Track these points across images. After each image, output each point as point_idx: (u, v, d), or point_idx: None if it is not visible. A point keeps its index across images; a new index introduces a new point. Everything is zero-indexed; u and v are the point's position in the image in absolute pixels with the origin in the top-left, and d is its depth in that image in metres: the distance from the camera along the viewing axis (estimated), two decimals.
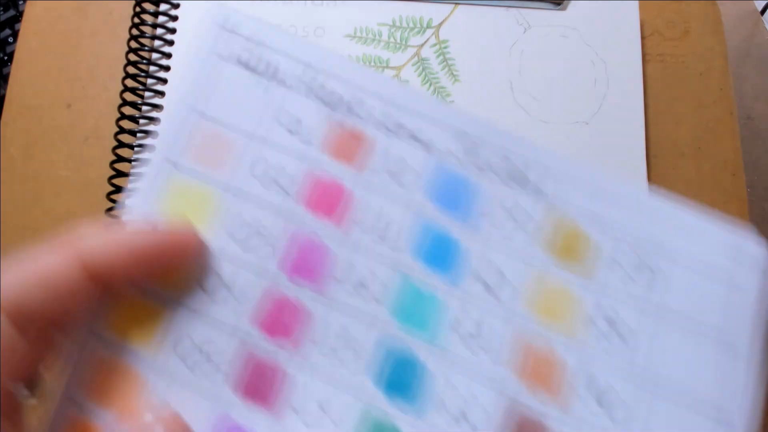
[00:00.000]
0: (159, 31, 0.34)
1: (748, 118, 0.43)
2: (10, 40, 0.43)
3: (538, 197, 0.20)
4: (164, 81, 0.33)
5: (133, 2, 0.34)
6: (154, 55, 0.34)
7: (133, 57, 0.33)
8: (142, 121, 0.33)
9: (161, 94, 0.33)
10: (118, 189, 0.32)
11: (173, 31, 0.34)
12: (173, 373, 0.18)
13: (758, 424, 0.18)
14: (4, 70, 0.42)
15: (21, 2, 0.44)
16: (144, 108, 0.33)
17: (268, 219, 0.20)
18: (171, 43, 0.34)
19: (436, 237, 0.20)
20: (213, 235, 0.19)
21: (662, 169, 0.33)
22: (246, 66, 0.21)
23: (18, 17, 0.43)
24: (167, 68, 0.33)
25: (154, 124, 0.33)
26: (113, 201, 0.32)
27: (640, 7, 0.35)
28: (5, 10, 0.43)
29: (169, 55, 0.34)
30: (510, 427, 0.18)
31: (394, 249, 0.19)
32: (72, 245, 0.19)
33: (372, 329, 0.19)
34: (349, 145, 0.20)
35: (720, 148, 0.34)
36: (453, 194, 0.20)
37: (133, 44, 0.33)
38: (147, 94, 0.33)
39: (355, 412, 0.18)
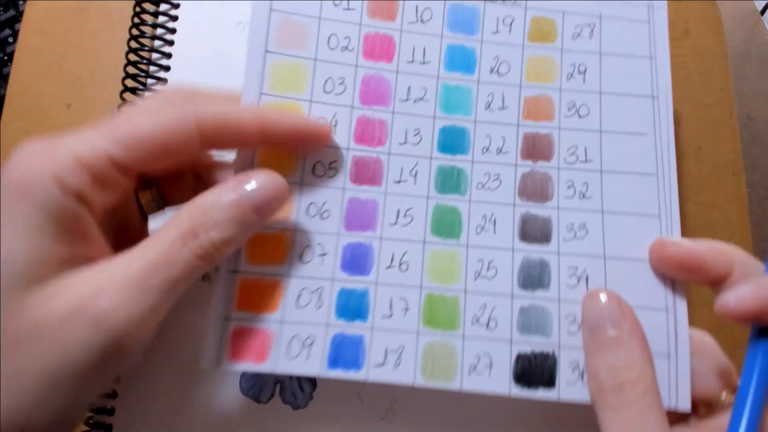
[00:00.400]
0: (159, 31, 0.34)
1: (748, 118, 0.43)
2: (10, 40, 0.43)
3: (519, 8, 0.30)
4: (164, 81, 0.33)
5: (133, 2, 0.34)
6: (154, 55, 0.34)
7: (133, 57, 0.33)
8: None
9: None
10: None
11: (173, 31, 0.34)
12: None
13: None
14: (4, 70, 0.42)
15: (21, 2, 0.44)
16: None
17: (345, 71, 0.28)
18: (171, 43, 0.34)
19: (458, 51, 0.29)
20: (309, 93, 0.27)
21: None
22: None
23: (18, 17, 0.43)
24: (167, 68, 0.33)
25: None
26: None
27: None
28: (5, 10, 0.43)
29: (169, 55, 0.34)
30: (527, 142, 0.28)
31: (432, 67, 0.29)
32: (193, 107, 0.22)
33: (430, 120, 0.28)
34: (387, 8, 0.29)
35: (720, 148, 0.34)
36: (463, 20, 0.29)
37: (133, 44, 0.33)
38: (147, 94, 0.33)
39: (428, 169, 0.28)
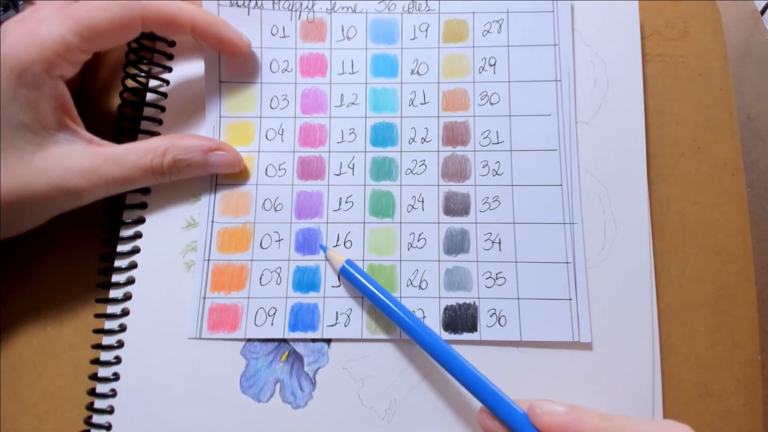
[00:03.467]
0: (158, 44, 0.34)
1: (748, 118, 0.43)
2: None
3: (433, 14, 0.34)
4: (165, 81, 0.33)
5: None
6: (155, 56, 0.34)
7: (133, 57, 0.33)
8: (142, 121, 0.33)
9: (162, 95, 0.33)
10: None
11: (172, 43, 0.34)
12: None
13: None
14: None
15: (21, 2, 0.44)
16: (143, 123, 0.33)
17: (287, 89, 0.34)
18: (172, 43, 0.34)
19: (382, 59, 0.34)
20: (259, 111, 0.33)
21: (662, 169, 0.33)
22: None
23: None
24: (169, 69, 0.33)
25: (153, 125, 0.33)
26: (112, 201, 0.32)
27: (640, 7, 0.35)
28: (5, 10, 0.43)
29: (170, 56, 0.34)
30: (447, 130, 0.33)
31: (361, 76, 0.34)
32: (138, 2, 0.29)
33: (362, 120, 0.33)
34: (317, 31, 0.34)
35: (720, 148, 0.34)
36: (384, 32, 0.34)
37: (134, 44, 0.33)
38: (147, 94, 0.33)
39: (363, 161, 0.33)
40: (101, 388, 0.30)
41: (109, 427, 0.29)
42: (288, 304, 0.31)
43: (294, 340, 0.30)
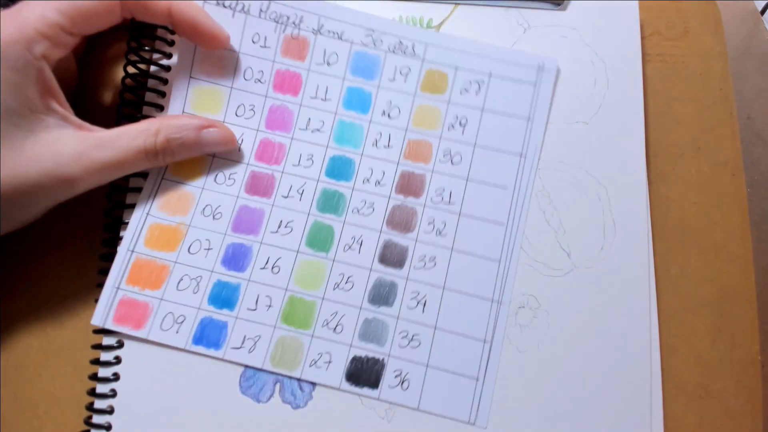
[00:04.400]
0: (159, 31, 0.34)
1: (748, 118, 0.43)
2: None
3: (417, 60, 0.33)
4: (164, 81, 0.33)
5: None
6: (155, 55, 0.34)
7: (133, 57, 0.33)
8: (144, 107, 0.33)
9: (161, 94, 0.33)
10: (117, 189, 0.32)
11: (173, 31, 0.34)
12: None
13: None
14: None
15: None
16: (144, 108, 0.33)
17: (255, 100, 0.33)
18: (171, 43, 0.34)
19: (356, 93, 0.33)
20: (223, 115, 0.33)
21: (662, 169, 0.33)
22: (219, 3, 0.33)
23: None
24: (168, 68, 0.33)
25: (155, 112, 0.33)
26: (112, 200, 0.32)
27: (640, 7, 0.35)
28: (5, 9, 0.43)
29: (169, 56, 0.34)
30: (403, 179, 0.32)
31: (332, 104, 0.33)
32: None
33: (323, 149, 0.33)
34: (298, 49, 0.33)
35: (720, 148, 0.34)
36: (365, 67, 0.33)
37: (133, 44, 0.33)
38: (147, 94, 0.33)
39: (313, 190, 0.32)
40: (101, 388, 0.30)
41: (109, 427, 0.29)
42: (198, 316, 0.30)
43: (193, 353, 0.30)
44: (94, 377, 0.30)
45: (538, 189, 0.32)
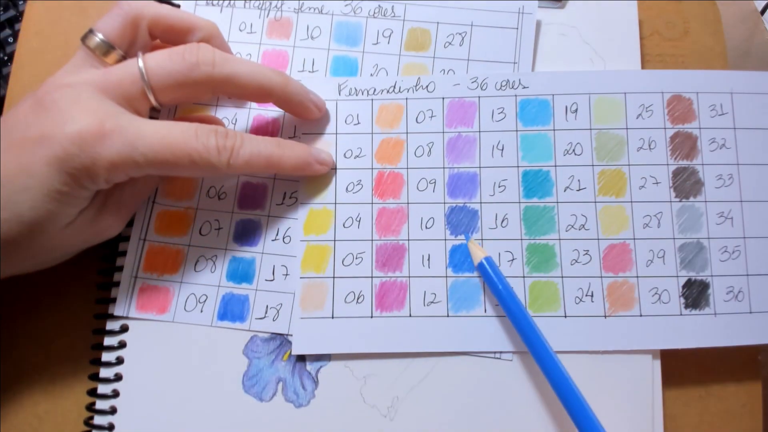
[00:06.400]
0: None
1: None
2: (10, 40, 0.43)
3: (398, 21, 0.34)
4: None
5: None
6: None
7: None
8: None
9: None
10: None
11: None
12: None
13: None
14: (4, 70, 0.42)
15: (21, 2, 0.44)
16: None
17: None
18: None
19: (342, 60, 0.34)
20: (215, 98, 0.34)
21: None
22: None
23: (18, 17, 0.43)
24: None
25: None
26: None
27: (640, 7, 0.35)
28: (5, 10, 0.43)
29: None
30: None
31: (319, 75, 0.34)
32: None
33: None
34: (282, 29, 0.35)
35: None
36: (348, 35, 0.34)
37: None
38: None
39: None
40: (103, 388, 0.30)
41: (111, 427, 0.29)
42: (219, 293, 0.31)
43: (221, 328, 0.30)
44: (95, 377, 0.30)
45: None
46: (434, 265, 0.31)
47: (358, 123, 0.32)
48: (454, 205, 0.31)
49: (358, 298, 0.30)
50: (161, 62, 0.27)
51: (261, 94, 0.30)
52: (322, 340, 0.30)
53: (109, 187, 0.28)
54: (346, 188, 0.32)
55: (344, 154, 0.32)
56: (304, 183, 0.32)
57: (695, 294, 0.30)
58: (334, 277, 0.31)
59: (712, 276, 0.30)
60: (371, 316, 0.30)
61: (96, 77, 0.27)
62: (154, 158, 0.26)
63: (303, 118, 0.32)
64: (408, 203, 0.31)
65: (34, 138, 0.25)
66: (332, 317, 0.30)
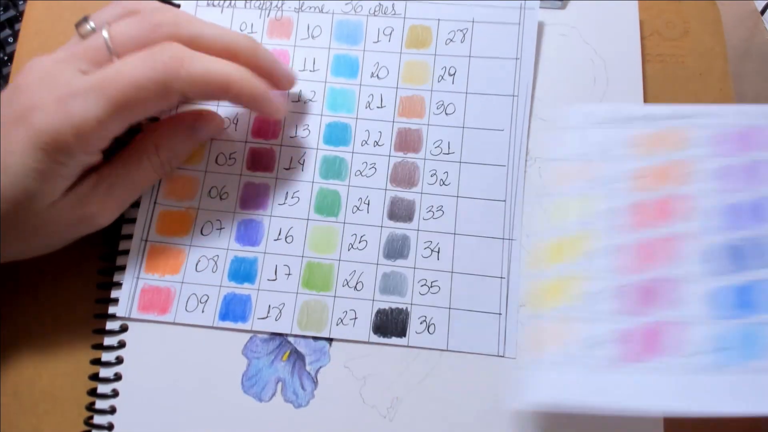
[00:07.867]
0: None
1: None
2: (10, 40, 0.43)
3: (399, 18, 0.34)
4: None
5: None
6: None
7: None
8: None
9: None
10: None
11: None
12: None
13: None
14: (4, 70, 0.42)
15: (21, 2, 0.44)
16: None
17: None
18: None
19: (343, 59, 0.34)
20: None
21: None
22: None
23: (18, 17, 0.43)
24: None
25: None
26: None
27: (640, 7, 0.35)
28: (5, 10, 0.43)
29: None
30: (400, 136, 0.33)
31: (321, 74, 0.34)
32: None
33: (318, 117, 0.33)
34: (283, 28, 0.35)
35: None
36: (348, 33, 0.34)
37: None
38: None
39: (314, 158, 0.33)
40: (102, 388, 0.30)
41: (110, 427, 0.29)
42: (221, 293, 0.31)
43: (222, 329, 0.30)
44: (96, 377, 0.30)
45: (538, 182, 0.32)
46: None
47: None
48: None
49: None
50: (124, 29, 0.28)
51: (228, 56, 0.29)
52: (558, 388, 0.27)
53: (99, 164, 0.29)
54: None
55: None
56: None
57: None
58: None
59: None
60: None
61: (65, 51, 0.28)
62: (117, 99, 0.26)
63: (266, 110, 0.31)
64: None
65: (12, 119, 0.27)
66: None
